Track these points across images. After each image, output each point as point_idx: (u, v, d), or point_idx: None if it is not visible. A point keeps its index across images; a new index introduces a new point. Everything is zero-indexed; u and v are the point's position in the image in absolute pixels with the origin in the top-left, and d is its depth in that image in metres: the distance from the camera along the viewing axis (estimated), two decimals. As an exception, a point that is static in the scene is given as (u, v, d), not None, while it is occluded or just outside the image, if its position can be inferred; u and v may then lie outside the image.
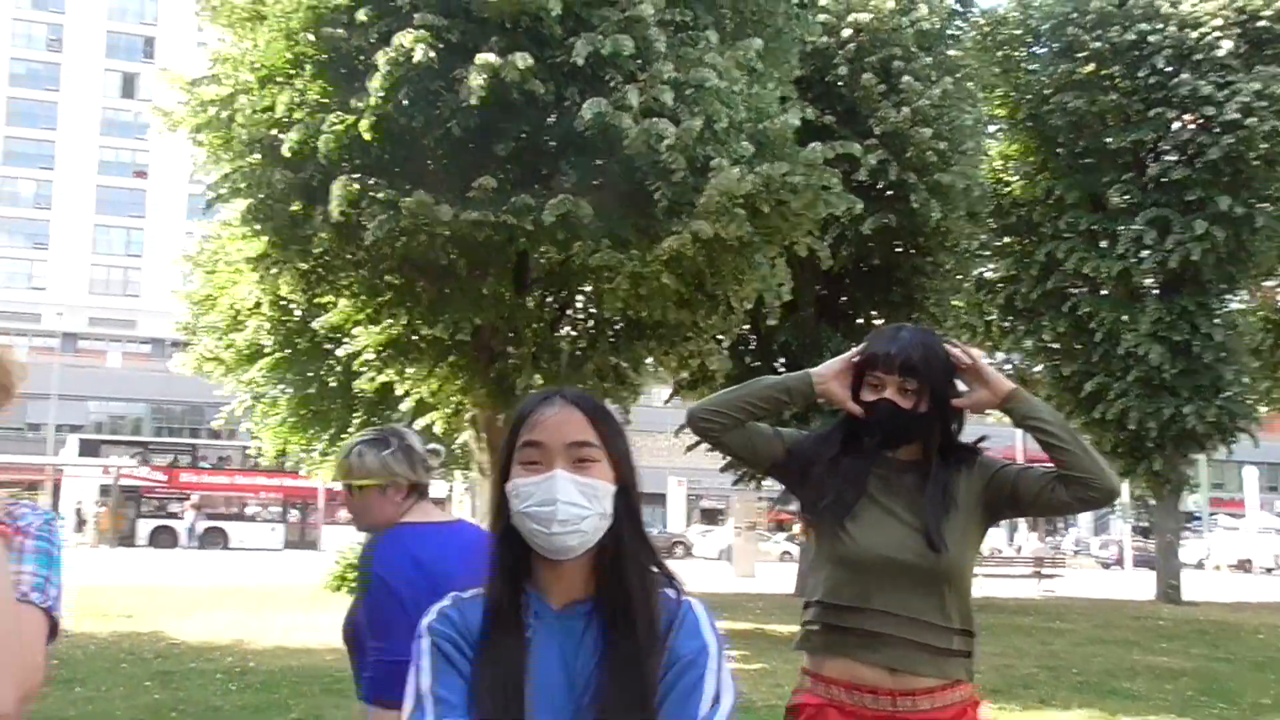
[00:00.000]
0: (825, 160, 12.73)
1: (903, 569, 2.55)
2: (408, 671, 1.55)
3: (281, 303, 15.60)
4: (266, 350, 16.99)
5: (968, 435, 2.76)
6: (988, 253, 23.25)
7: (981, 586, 21.79)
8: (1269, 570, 40.61)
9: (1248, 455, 30.12)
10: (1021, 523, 44.87)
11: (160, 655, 11.13)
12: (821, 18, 17.66)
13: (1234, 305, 23.17)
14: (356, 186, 11.48)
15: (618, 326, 15.09)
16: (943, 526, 2.56)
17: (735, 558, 29.95)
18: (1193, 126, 21.07)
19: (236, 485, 40.53)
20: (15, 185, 70.67)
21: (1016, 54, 23.04)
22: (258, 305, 16.08)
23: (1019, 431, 3.04)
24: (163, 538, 37.86)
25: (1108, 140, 21.80)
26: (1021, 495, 2.64)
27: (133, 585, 19.14)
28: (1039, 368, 23.82)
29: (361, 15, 11.55)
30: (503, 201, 11.32)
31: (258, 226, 12.75)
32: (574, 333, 15.57)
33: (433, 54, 11.07)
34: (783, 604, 18.67)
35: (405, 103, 11.64)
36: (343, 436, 16.54)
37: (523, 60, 10.91)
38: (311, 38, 11.87)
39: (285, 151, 11.50)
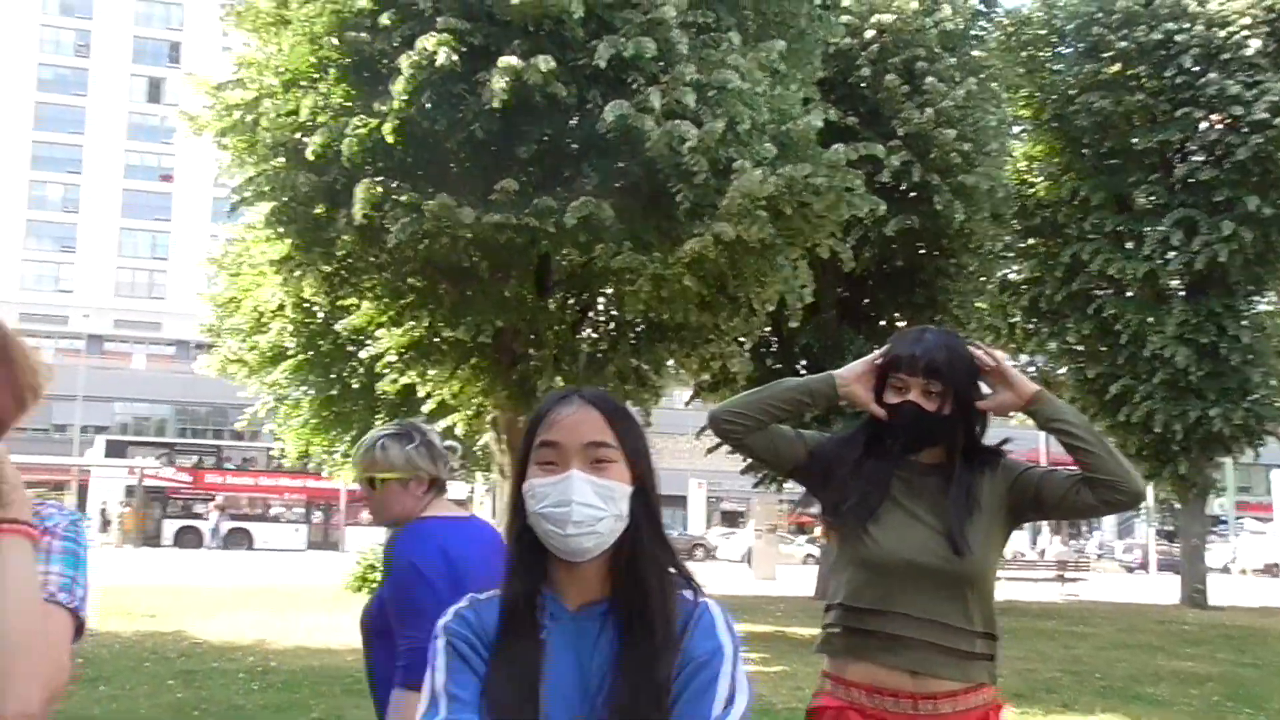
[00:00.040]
0: (848, 162, 12.70)
1: (925, 572, 2.53)
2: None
3: (305, 305, 15.68)
4: (290, 352, 17.09)
5: (991, 438, 2.75)
6: (1012, 254, 23.12)
7: (1004, 590, 21.66)
8: (1296, 575, 40.23)
9: (1275, 458, 29.86)
10: (1044, 526, 44.62)
11: (183, 654, 11.20)
12: (844, 19, 17.60)
13: (1262, 307, 22.96)
14: (379, 189, 11.53)
15: (639, 329, 15.08)
16: (966, 529, 2.55)
17: (755, 560, 29.90)
18: (1220, 126, 20.89)
19: (261, 486, 40.79)
20: (44, 189, 71.35)
21: (1041, 54, 22.91)
22: (281, 307, 16.18)
23: (1042, 434, 3.02)
24: (188, 538, 38.14)
25: (1134, 141, 21.65)
26: (1046, 498, 2.63)
27: (157, 585, 19.27)
28: (1063, 370, 23.66)
29: (384, 19, 11.60)
30: (525, 204, 11.34)
31: (281, 229, 12.82)
32: (595, 335, 15.58)
33: (455, 57, 11.11)
34: (803, 607, 18.62)
35: (428, 106, 11.68)
36: (365, 438, 16.57)
37: (545, 63, 10.92)
38: (335, 42, 11.94)
39: (309, 155, 11.55)
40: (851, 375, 2.70)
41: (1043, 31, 22.72)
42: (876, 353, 2.73)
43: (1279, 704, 10.07)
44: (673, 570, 1.60)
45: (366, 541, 23.23)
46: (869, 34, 18.73)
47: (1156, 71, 21.10)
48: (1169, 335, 20.74)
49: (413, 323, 13.90)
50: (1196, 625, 17.87)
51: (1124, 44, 21.05)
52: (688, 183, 11.49)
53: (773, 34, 13.00)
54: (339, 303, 14.36)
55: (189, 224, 70.38)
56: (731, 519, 54.35)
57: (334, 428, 18.19)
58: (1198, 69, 20.77)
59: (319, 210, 12.26)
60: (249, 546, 38.33)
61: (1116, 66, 21.44)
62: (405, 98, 11.24)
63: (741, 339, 15.76)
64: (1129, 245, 21.48)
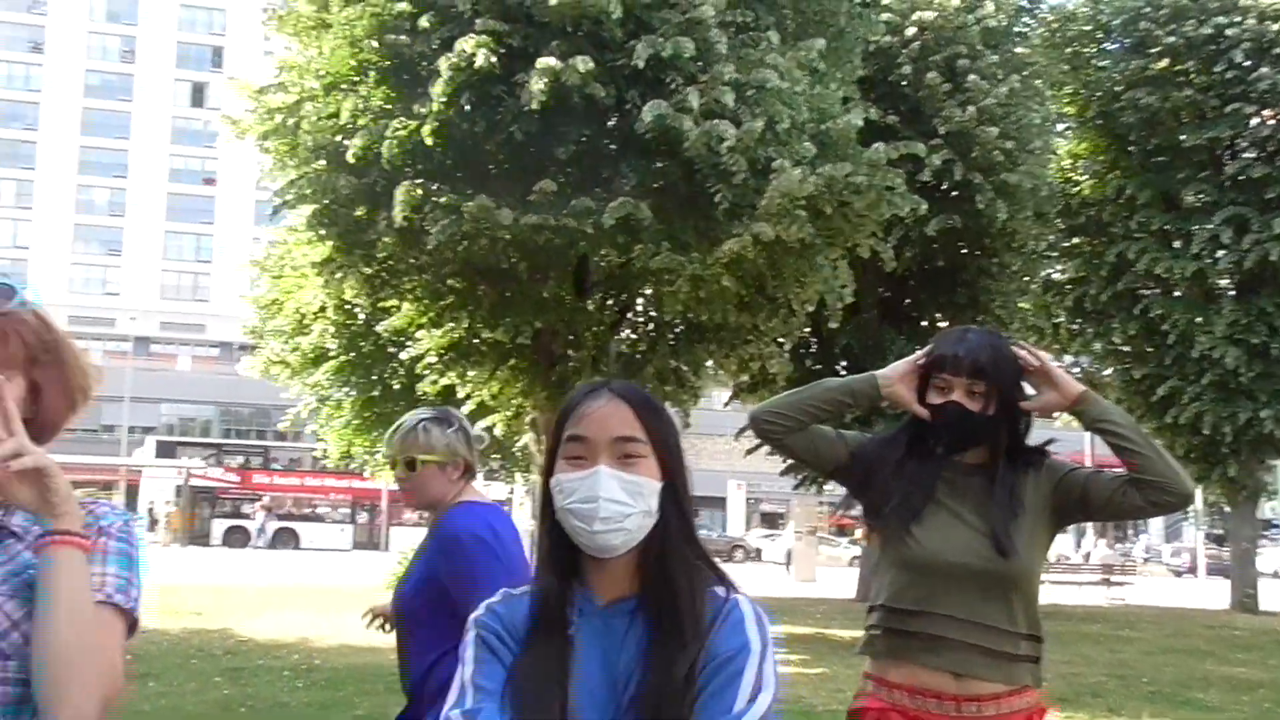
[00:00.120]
0: (889, 160, 12.61)
1: (970, 573, 2.51)
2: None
3: (346, 307, 15.81)
4: (331, 353, 17.23)
5: (1035, 439, 2.72)
6: (1055, 254, 22.85)
7: (1048, 593, 21.40)
8: (1349, 579, 39.47)
9: (1327, 461, 29.26)
10: (1089, 529, 44.09)
11: (229, 652, 11.32)
12: (885, 17, 17.48)
13: (1315, 306, 22.51)
14: (419, 191, 11.60)
15: (678, 329, 15.08)
16: (1010, 530, 2.52)
17: (795, 562, 29.80)
18: (1272, 122, 20.53)
19: (307, 487, 41.16)
20: (90, 194, 72.45)
21: (1086, 50, 22.63)
22: (323, 309, 16.32)
23: (1087, 435, 2.99)
24: (236, 537, 38.59)
25: (1182, 138, 21.31)
26: (1092, 499, 2.60)
27: (204, 584, 19.48)
28: (1109, 371, 23.38)
29: (424, 22, 11.66)
30: (563, 205, 11.36)
31: (323, 232, 12.92)
32: (634, 335, 15.59)
33: (494, 59, 11.15)
34: (843, 609, 18.52)
35: (467, 108, 11.73)
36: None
37: (583, 64, 10.93)
38: (375, 45, 12.02)
39: (350, 157, 11.64)
40: (895, 375, 2.68)
41: (1088, 27, 22.45)
42: (919, 353, 2.70)
43: (1332, 710, 9.87)
44: (703, 566, 1.57)
45: (410, 541, 23.37)
46: (910, 31, 18.60)
47: (1206, 67, 20.78)
48: (1218, 335, 20.40)
49: (452, 324, 13.97)
50: (1247, 630, 17.58)
51: (1172, 39, 20.74)
52: (726, 183, 11.46)
53: (812, 32, 12.93)
54: (380, 304, 14.46)
55: (232, 227, 71.20)
56: (771, 520, 54.17)
57: (375, 428, 18.31)
58: (1249, 63, 20.42)
59: (360, 212, 12.34)
60: (295, 546, 38.69)
61: (1164, 62, 21.13)
62: (444, 100, 11.29)
63: (781, 339, 15.70)
64: (1176, 244, 21.17)
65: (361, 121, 11.85)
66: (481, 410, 15.17)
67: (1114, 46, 22.51)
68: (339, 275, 13.49)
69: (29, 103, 71.47)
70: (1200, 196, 21.07)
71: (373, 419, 18.07)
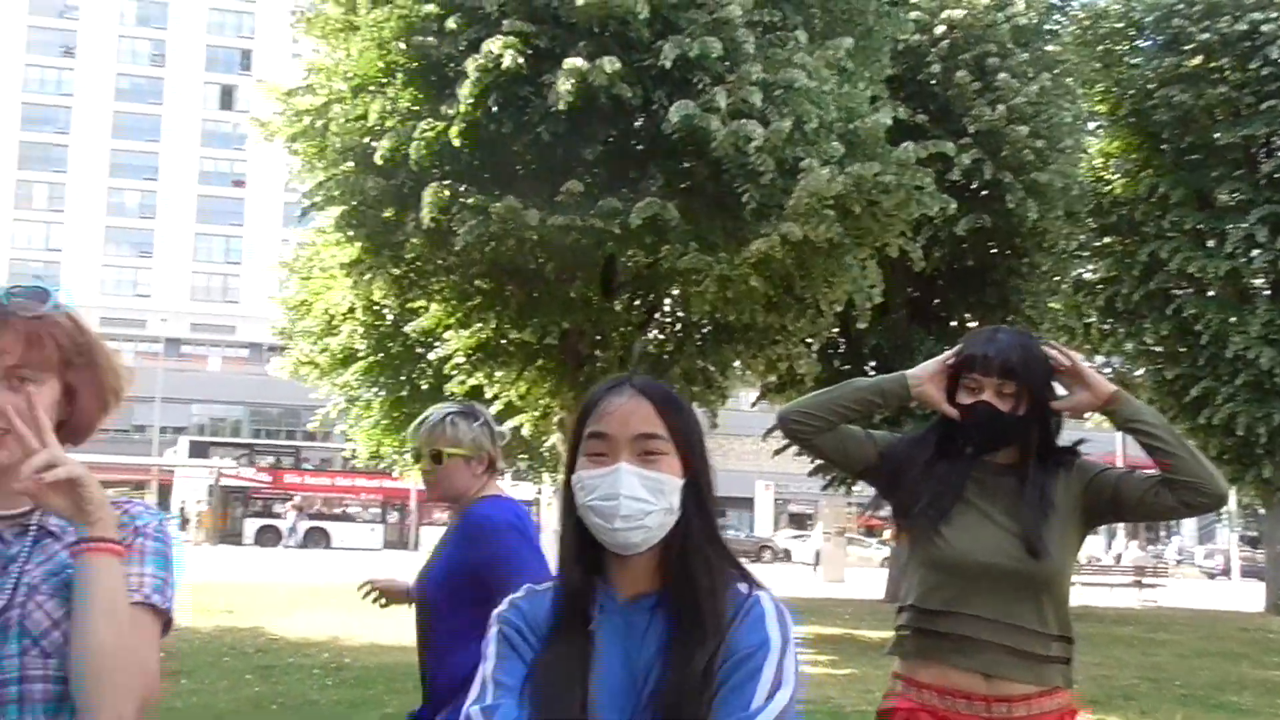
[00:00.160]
0: (918, 160, 12.56)
1: (1001, 574, 2.50)
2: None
3: (374, 307, 15.89)
4: (360, 354, 17.32)
5: (1066, 440, 2.70)
6: (1087, 253, 22.67)
7: (1079, 595, 21.20)
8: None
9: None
10: (1120, 530, 43.73)
11: (260, 650, 11.41)
12: (914, 15, 17.39)
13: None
14: (447, 193, 11.64)
15: (705, 329, 15.06)
16: (1042, 531, 2.50)
17: (824, 563, 29.72)
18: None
19: (337, 487, 41.40)
20: (122, 196, 73.18)
21: (1118, 48, 22.43)
22: (351, 310, 16.41)
23: (1119, 436, 2.97)
24: (267, 536, 38.86)
25: (1216, 136, 21.07)
26: (1124, 499, 2.58)
27: (235, 582, 19.62)
28: (1141, 371, 23.17)
29: (451, 23, 11.70)
30: (590, 205, 11.37)
31: (351, 233, 12.99)
32: (661, 336, 15.59)
33: (521, 60, 11.17)
34: (872, 609, 18.44)
35: (494, 109, 11.76)
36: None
37: (610, 64, 10.94)
38: (403, 46, 12.07)
39: (378, 159, 11.69)
40: (924, 375, 2.67)
41: (1120, 25, 22.25)
42: (949, 353, 2.69)
43: (1369, 715, 9.74)
44: (725, 563, 1.57)
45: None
46: (939, 30, 18.50)
47: (1241, 64, 20.53)
48: (1253, 336, 20.17)
49: (480, 324, 14.02)
50: (1282, 633, 17.39)
51: (1206, 36, 20.52)
52: (754, 182, 11.44)
53: (840, 31, 12.89)
54: (408, 305, 14.53)
55: (261, 229, 71.73)
56: (799, 521, 54.02)
57: (404, 428, 18.37)
58: (1286, 60, 20.18)
59: (388, 214, 12.40)
60: (327, 545, 38.92)
61: (1198, 59, 20.91)
62: (472, 101, 11.33)
63: (809, 340, 15.66)
64: (1210, 243, 20.94)
65: (389, 123, 11.90)
66: (509, 410, 15.21)
67: (1147, 43, 22.31)
68: (367, 276, 13.56)
69: (61, 107, 72.28)
70: (1235, 195, 20.84)
71: (401, 419, 18.15)
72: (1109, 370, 23.04)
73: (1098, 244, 22.70)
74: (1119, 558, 37.18)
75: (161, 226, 73.05)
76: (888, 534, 32.06)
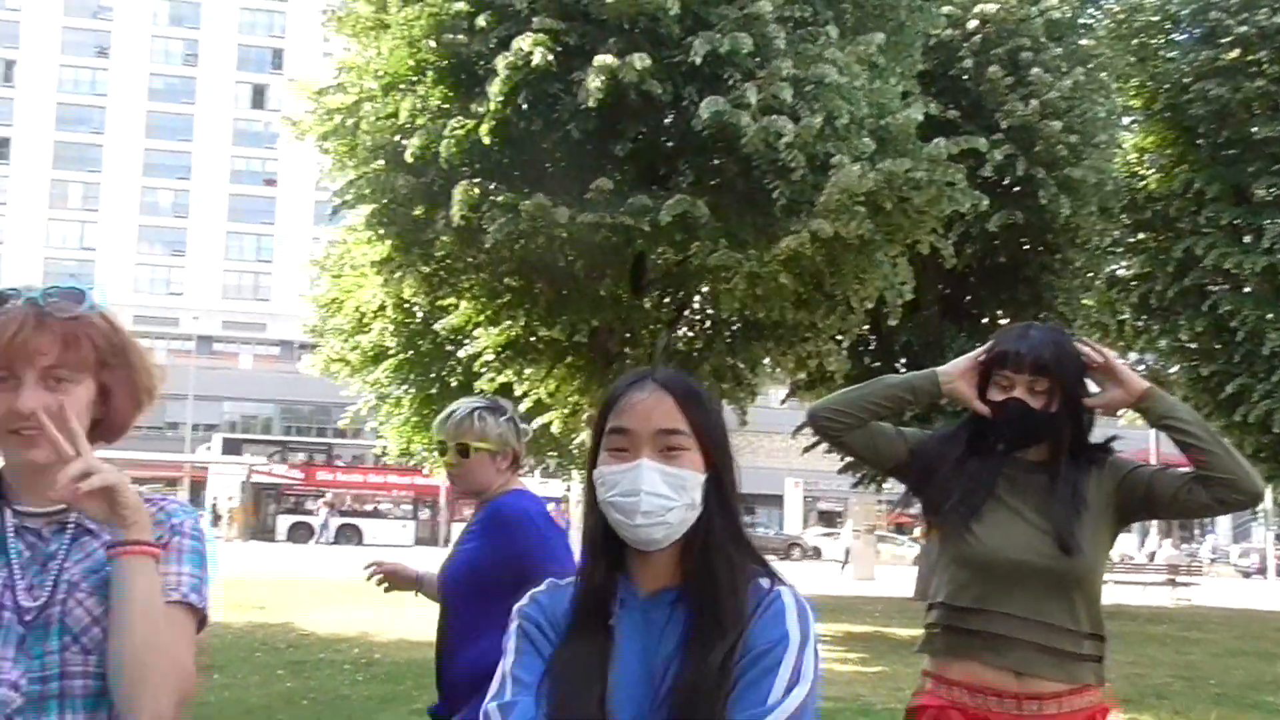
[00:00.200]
0: (949, 156, 12.48)
1: (1032, 571, 2.49)
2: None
3: (405, 305, 15.96)
4: (390, 351, 17.41)
5: (1099, 437, 2.68)
6: (1120, 249, 22.47)
7: (1111, 593, 21.05)
8: None
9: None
10: (1153, 528, 43.33)
11: (291, 645, 11.49)
12: (946, 10, 17.28)
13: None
14: (477, 190, 11.68)
15: (735, 327, 15.04)
16: (1074, 528, 2.48)
17: (853, 560, 29.64)
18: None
19: (369, 483, 41.62)
20: (155, 195, 73.85)
21: (1153, 42, 22.20)
22: (382, 308, 16.49)
23: (1153, 433, 2.95)
24: (300, 533, 39.12)
25: (1253, 130, 20.79)
26: (1157, 496, 2.56)
27: (267, 578, 19.78)
28: (1175, 368, 22.93)
29: (481, 21, 11.73)
30: (620, 202, 11.38)
31: (382, 231, 13.06)
32: (691, 333, 15.57)
33: (551, 57, 11.19)
34: (901, 607, 18.37)
35: (524, 106, 11.79)
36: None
37: (640, 61, 10.94)
38: (433, 44, 12.11)
39: (408, 157, 11.74)
40: (955, 372, 2.66)
41: (1155, 18, 22.01)
42: (980, 349, 2.68)
43: None
44: (748, 559, 1.56)
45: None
46: (971, 24, 18.38)
47: (1279, 57, 20.29)
48: (1289, 332, 19.93)
49: (510, 322, 14.05)
50: (1319, 633, 17.17)
51: (1244, 29, 20.27)
52: (784, 179, 11.41)
53: (871, 26, 12.83)
54: (438, 303, 14.59)
55: (292, 227, 72.20)
56: (829, 519, 53.87)
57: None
58: (1323, 54, 19.91)
59: (418, 212, 12.45)
60: (359, 542, 39.13)
61: (1235, 52, 20.66)
62: (502, 98, 11.36)
63: (839, 337, 15.60)
64: (1247, 239, 20.69)
65: (420, 121, 11.95)
66: (538, 408, 15.24)
67: (1183, 37, 22.06)
68: (398, 274, 13.62)
69: (96, 107, 73.02)
70: (1272, 190, 20.57)
71: (431, 416, 18.12)
72: (1143, 367, 22.83)
73: (1132, 240, 22.50)
74: (1152, 556, 36.82)
75: (194, 225, 73.68)
76: (918, 531, 31.92)
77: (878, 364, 19.44)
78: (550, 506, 3.59)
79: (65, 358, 1.54)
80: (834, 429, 2.70)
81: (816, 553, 42.63)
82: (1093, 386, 2.65)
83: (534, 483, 36.45)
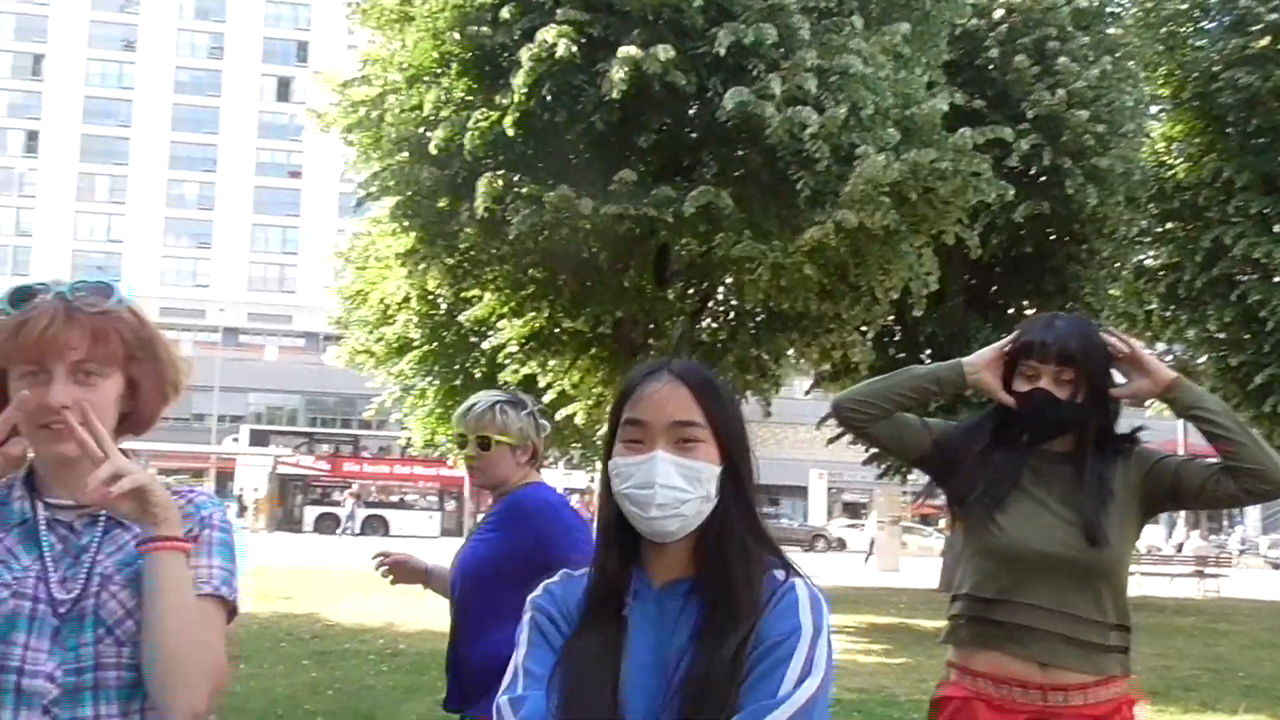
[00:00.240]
0: (975, 146, 12.41)
1: (1058, 563, 2.47)
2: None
3: (429, 297, 16.02)
4: (415, 343, 17.49)
5: (1126, 428, 2.67)
6: (1148, 239, 22.30)
7: (1139, 585, 20.95)
8: None
9: None
10: (1181, 519, 43.04)
11: (316, 636, 11.57)
12: (971, -1, 17.19)
13: None
14: (501, 182, 11.70)
15: (759, 318, 15.02)
16: (1101, 519, 2.47)
17: (878, 552, 29.58)
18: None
19: (395, 475, 41.81)
20: (181, 188, 74.32)
21: (1182, 30, 21.98)
22: (406, 299, 16.56)
23: (1181, 423, 2.92)
24: (326, 524, 39.35)
25: (1284, 118, 20.60)
26: (1184, 487, 2.55)
27: (293, 569, 19.91)
28: (1203, 359, 22.74)
29: (505, 13, 11.74)
30: (644, 194, 11.37)
31: (406, 223, 13.10)
32: (715, 324, 15.56)
33: (575, 48, 11.18)
34: (926, 598, 18.32)
35: (548, 98, 11.79)
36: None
37: (664, 52, 10.92)
38: (457, 36, 12.13)
39: (432, 149, 11.77)
40: (981, 362, 2.65)
41: (1184, 6, 21.79)
42: (1006, 340, 2.67)
43: None
44: (764, 550, 1.55)
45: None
46: (997, 14, 18.27)
47: (1310, 45, 20.06)
48: (1320, 322, 19.73)
49: (534, 313, 14.08)
50: (1350, 626, 17.00)
51: (1274, 16, 20.05)
52: (809, 170, 11.37)
53: (896, 16, 12.76)
54: (462, 294, 14.63)
55: (317, 219, 72.51)
56: (853, 510, 53.77)
57: (458, 417, 18.54)
58: (1354, 41, 19.67)
59: (442, 204, 12.49)
60: (385, 533, 39.30)
61: (1265, 40, 20.43)
62: (526, 90, 11.37)
63: (863, 328, 15.55)
64: (1276, 228, 20.48)
65: (444, 113, 11.98)
66: (562, 399, 15.28)
67: (1212, 25, 21.83)
68: (422, 266, 13.67)
69: (122, 100, 73.53)
70: (1303, 179, 20.37)
71: (455, 408, 18.19)
72: (1171, 358, 22.66)
73: (1159, 230, 22.31)
74: (1180, 547, 36.55)
75: (219, 217, 74.12)
76: (943, 523, 31.82)
77: (902, 355, 19.36)
78: (574, 499, 3.62)
79: (95, 352, 1.56)
80: (858, 420, 2.69)
81: (841, 544, 42.53)
82: (1119, 377, 2.63)
83: (558, 474, 36.57)
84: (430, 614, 12.97)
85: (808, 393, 21.17)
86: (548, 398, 15.40)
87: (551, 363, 14.88)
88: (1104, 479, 2.53)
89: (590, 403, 15.45)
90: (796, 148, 11.26)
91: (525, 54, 11.27)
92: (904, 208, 12.01)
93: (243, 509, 38.27)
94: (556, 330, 14.33)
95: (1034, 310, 19.09)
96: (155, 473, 1.61)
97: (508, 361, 15.13)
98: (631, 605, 1.52)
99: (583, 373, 14.75)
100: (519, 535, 2.95)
